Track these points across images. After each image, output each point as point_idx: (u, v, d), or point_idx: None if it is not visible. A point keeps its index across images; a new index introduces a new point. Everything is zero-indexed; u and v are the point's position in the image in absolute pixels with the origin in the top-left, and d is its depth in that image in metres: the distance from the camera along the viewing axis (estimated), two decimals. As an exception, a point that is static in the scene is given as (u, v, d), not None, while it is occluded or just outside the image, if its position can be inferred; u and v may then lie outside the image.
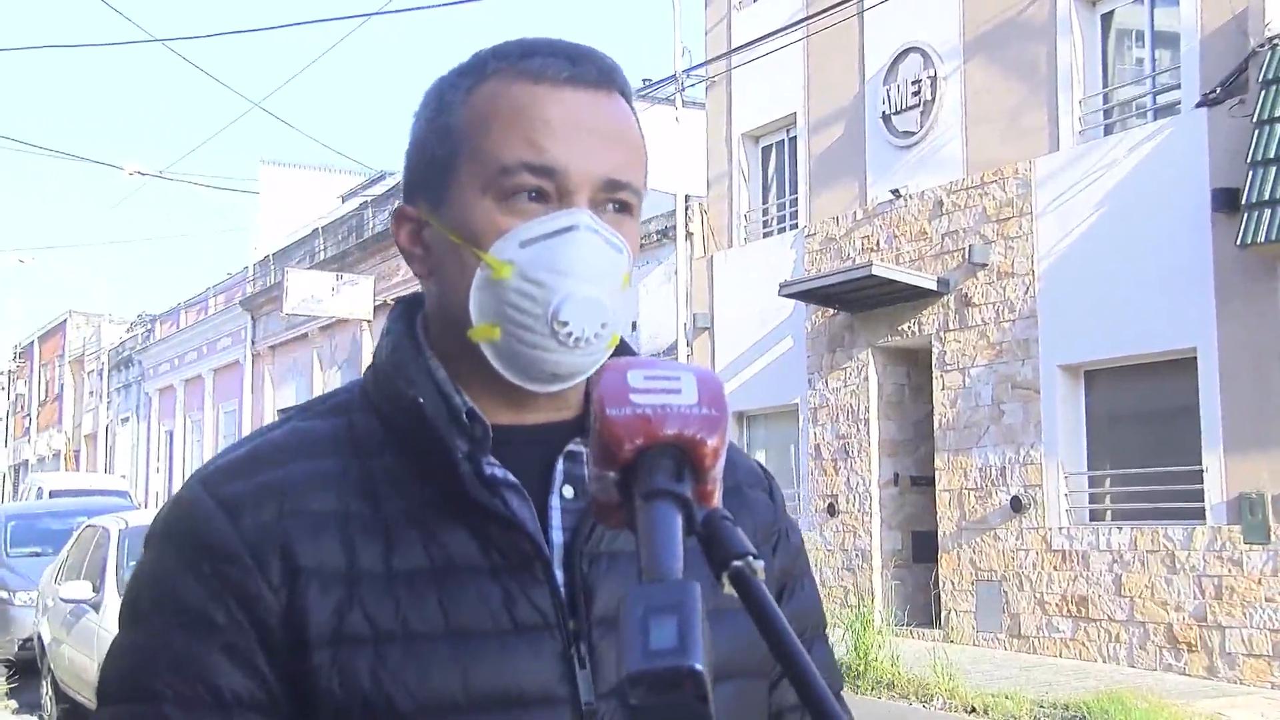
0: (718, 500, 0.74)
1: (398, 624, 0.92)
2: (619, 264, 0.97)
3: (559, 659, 0.94)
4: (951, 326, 11.83)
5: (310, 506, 0.94)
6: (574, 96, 0.97)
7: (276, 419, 1.05)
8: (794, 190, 14.22)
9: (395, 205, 1.07)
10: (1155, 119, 10.54)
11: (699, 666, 0.62)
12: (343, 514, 0.95)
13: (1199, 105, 9.84)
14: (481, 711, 0.91)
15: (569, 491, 1.00)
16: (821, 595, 1.17)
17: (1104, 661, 10.22)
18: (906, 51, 12.59)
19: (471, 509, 0.95)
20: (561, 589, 0.96)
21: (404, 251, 1.04)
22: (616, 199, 0.98)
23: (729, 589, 0.67)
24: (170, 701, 0.90)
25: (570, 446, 1.01)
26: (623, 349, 1.05)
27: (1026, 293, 11.16)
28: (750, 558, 0.67)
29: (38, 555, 12.45)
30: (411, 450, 0.97)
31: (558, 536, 0.98)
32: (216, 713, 0.91)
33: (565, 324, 0.93)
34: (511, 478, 0.98)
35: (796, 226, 14.02)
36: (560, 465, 1.00)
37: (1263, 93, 9.18)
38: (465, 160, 0.97)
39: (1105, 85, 11.15)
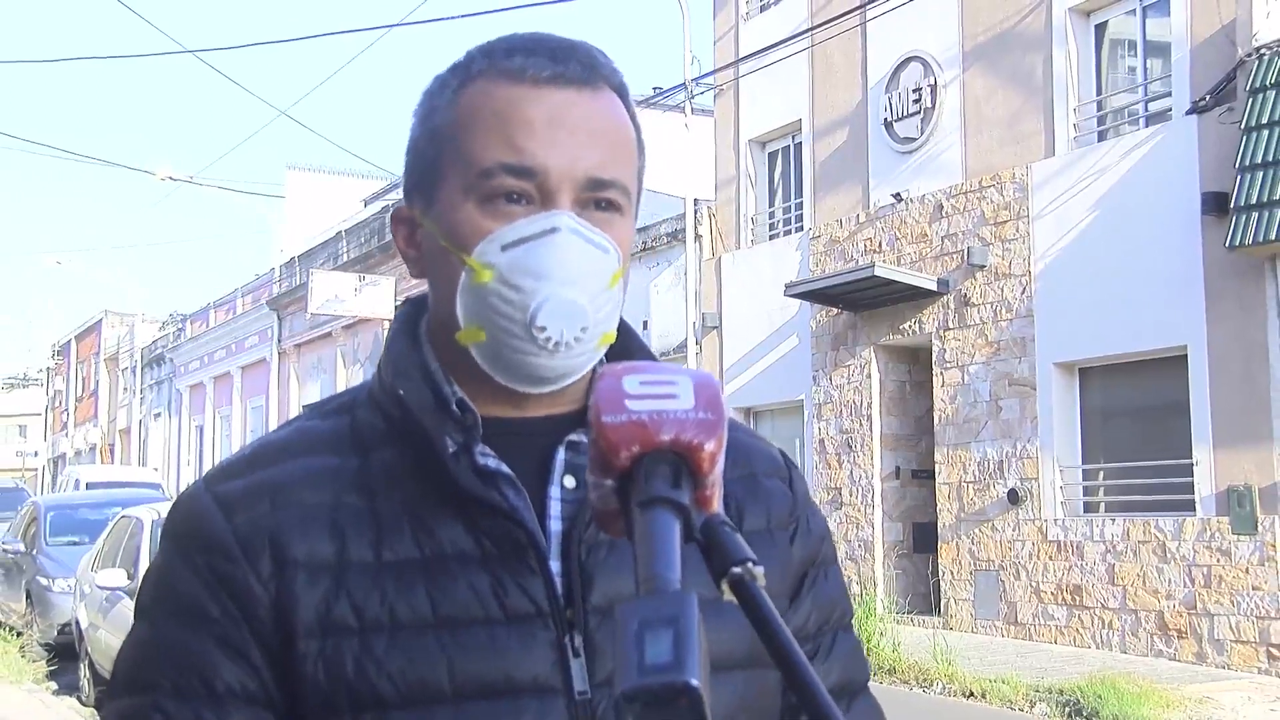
0: (718, 504, 0.71)
1: (384, 614, 0.91)
2: (604, 264, 0.94)
3: (552, 648, 0.92)
4: (951, 325, 11.96)
5: (303, 501, 0.94)
6: (556, 95, 0.94)
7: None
8: (799, 194, 14.31)
9: (393, 206, 1.06)
10: (1147, 125, 10.62)
11: (695, 682, 0.58)
12: (334, 507, 0.94)
13: (1189, 112, 9.95)
14: (468, 700, 0.90)
15: (570, 481, 0.98)
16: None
17: (1097, 648, 10.32)
18: (908, 61, 12.71)
19: (463, 500, 0.94)
20: (558, 578, 0.94)
21: (401, 252, 1.03)
22: (602, 198, 0.95)
23: (729, 596, 0.65)
24: (166, 693, 0.91)
25: (572, 436, 0.98)
26: (629, 343, 1.03)
27: (1023, 293, 11.28)
28: (750, 564, 0.65)
29: (75, 544, 12.60)
30: (408, 444, 0.96)
31: (556, 526, 0.96)
32: (210, 704, 0.90)
33: (543, 329, 0.92)
34: (505, 468, 0.96)
35: (802, 229, 14.11)
36: (561, 455, 0.98)
37: (1251, 100, 9.29)
38: (450, 162, 0.96)
39: (1099, 93, 11.23)
